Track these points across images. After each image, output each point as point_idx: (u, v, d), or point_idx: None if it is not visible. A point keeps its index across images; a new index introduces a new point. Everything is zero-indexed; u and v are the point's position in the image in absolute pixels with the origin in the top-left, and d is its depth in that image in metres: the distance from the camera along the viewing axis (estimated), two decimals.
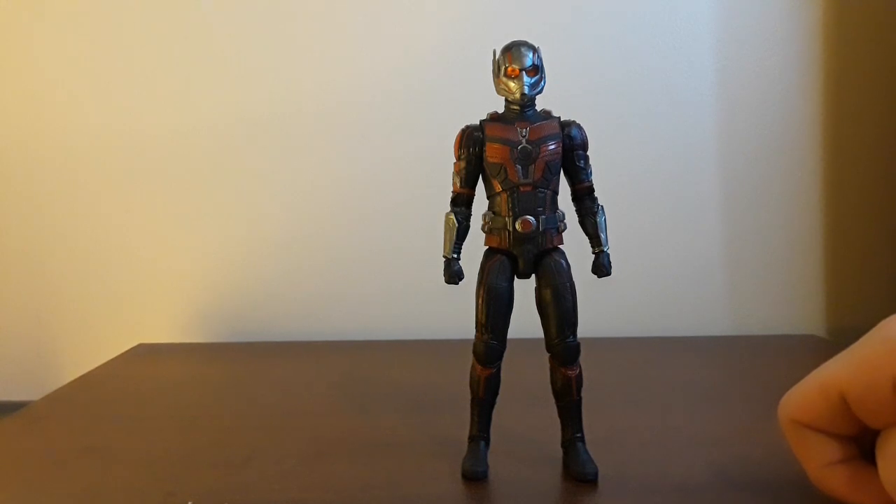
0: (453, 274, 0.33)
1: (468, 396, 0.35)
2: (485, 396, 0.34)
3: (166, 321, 0.71)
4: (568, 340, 0.33)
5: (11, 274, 0.72)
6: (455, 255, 0.33)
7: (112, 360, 0.61)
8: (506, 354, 0.34)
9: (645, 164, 0.69)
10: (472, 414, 0.35)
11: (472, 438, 0.35)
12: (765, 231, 0.70)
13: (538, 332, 0.34)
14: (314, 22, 0.69)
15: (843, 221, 0.70)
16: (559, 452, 0.35)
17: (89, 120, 0.71)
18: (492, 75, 0.33)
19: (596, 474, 0.33)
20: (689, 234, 0.70)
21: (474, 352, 0.34)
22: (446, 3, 0.68)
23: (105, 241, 0.71)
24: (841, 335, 0.69)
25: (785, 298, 0.70)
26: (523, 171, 0.31)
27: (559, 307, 0.32)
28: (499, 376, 0.34)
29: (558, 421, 0.35)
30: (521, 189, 0.32)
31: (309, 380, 0.54)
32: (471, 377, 0.35)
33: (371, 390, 0.50)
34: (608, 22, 0.68)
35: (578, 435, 0.34)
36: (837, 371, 0.28)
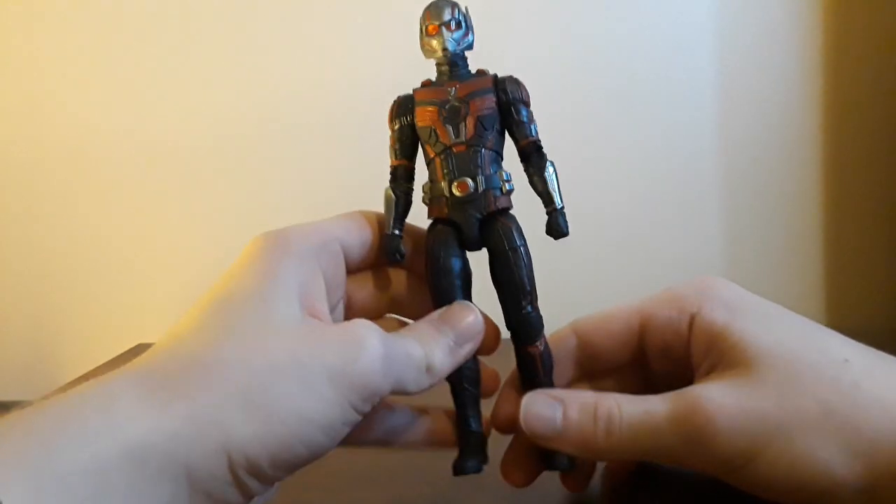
0: (392, 251, 0.29)
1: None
2: (457, 381, 0.29)
3: (166, 321, 0.71)
4: (524, 312, 0.29)
5: (11, 274, 0.72)
6: (396, 232, 0.29)
7: (112, 360, 0.61)
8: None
9: (644, 163, 0.69)
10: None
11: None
12: (765, 231, 0.70)
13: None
14: (315, 22, 0.69)
15: (843, 221, 0.70)
16: None
17: (89, 121, 0.70)
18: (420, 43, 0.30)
19: (570, 464, 0.30)
20: (689, 234, 0.70)
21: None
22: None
23: (105, 240, 0.71)
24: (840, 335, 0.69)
25: (785, 298, 0.70)
26: (454, 131, 0.28)
27: (510, 274, 0.28)
28: (475, 362, 0.30)
29: None
30: (455, 149, 0.28)
31: None
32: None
33: None
34: (608, 22, 0.68)
35: None
36: (646, 301, 0.30)
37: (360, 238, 0.29)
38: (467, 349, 0.27)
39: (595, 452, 0.28)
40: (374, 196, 0.35)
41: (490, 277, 0.29)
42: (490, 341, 0.29)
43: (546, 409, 0.28)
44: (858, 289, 0.70)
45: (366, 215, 0.30)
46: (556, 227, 0.30)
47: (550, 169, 0.30)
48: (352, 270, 0.29)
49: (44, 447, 0.19)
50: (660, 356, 0.30)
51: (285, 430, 0.22)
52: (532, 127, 0.30)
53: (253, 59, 0.69)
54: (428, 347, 0.26)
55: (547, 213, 0.30)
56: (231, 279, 0.25)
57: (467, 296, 0.29)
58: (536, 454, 0.30)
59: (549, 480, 0.32)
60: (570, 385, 0.32)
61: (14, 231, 0.72)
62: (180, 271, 0.70)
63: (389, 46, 0.69)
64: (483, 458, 0.30)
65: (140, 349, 0.66)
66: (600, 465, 0.34)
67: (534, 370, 0.29)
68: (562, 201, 0.30)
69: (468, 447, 0.29)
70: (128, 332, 0.70)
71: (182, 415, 0.20)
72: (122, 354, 0.63)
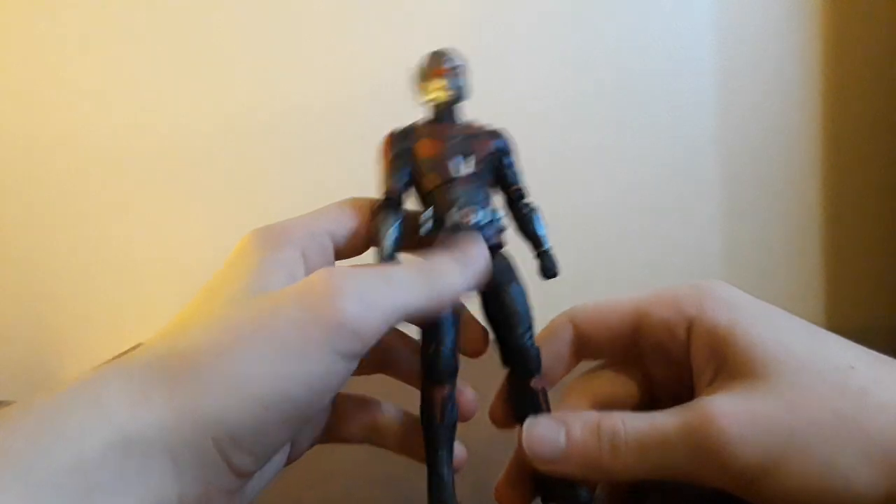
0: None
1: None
2: (444, 422, 0.28)
3: (166, 321, 0.71)
4: (527, 342, 0.28)
5: (12, 274, 0.72)
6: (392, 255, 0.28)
7: (112, 360, 0.61)
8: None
9: (644, 163, 0.69)
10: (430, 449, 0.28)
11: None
12: (765, 231, 0.70)
13: None
14: (316, 23, 0.69)
15: (843, 221, 0.70)
16: None
17: (90, 120, 0.70)
18: (415, 84, 0.31)
19: (589, 497, 0.28)
20: (688, 234, 0.70)
21: (428, 368, 0.28)
22: (447, 4, 0.68)
23: (105, 240, 0.71)
24: (840, 335, 0.69)
25: (785, 298, 0.70)
26: (460, 166, 0.28)
27: (510, 304, 0.28)
28: (454, 398, 0.28)
29: None
30: (460, 182, 0.28)
31: None
32: (425, 401, 0.28)
33: (371, 389, 0.50)
34: (609, 21, 0.68)
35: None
36: (643, 297, 0.30)
37: (347, 227, 0.28)
38: (477, 268, 0.26)
39: (602, 471, 0.26)
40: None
41: (484, 314, 0.29)
42: (478, 343, 0.29)
43: (549, 431, 0.27)
44: (858, 289, 0.70)
45: (356, 203, 0.29)
46: (548, 267, 0.29)
47: (538, 215, 0.30)
48: (341, 258, 0.29)
49: (29, 446, 0.19)
50: (654, 355, 0.30)
51: (264, 394, 0.21)
52: (519, 175, 0.30)
53: (255, 59, 0.69)
54: (428, 265, 0.25)
55: (538, 256, 0.30)
56: (219, 276, 0.25)
57: (456, 329, 0.28)
58: (531, 479, 0.29)
59: None
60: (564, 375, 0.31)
61: (14, 231, 0.72)
62: (181, 271, 0.70)
63: (390, 48, 0.69)
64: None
65: None
66: None
67: (537, 406, 0.28)
68: (549, 243, 0.30)
69: (440, 496, 0.28)
70: (128, 332, 0.70)
71: (161, 404, 0.20)
72: (121, 354, 0.63)
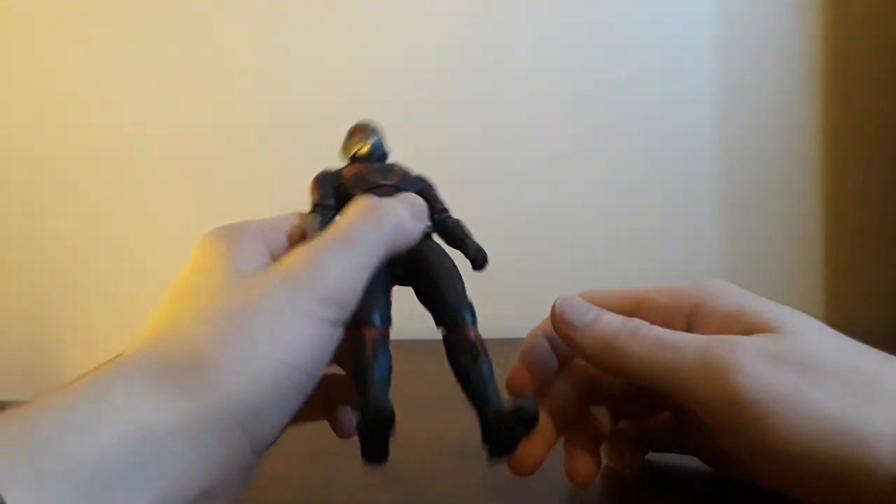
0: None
1: (465, 397, 0.29)
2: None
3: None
4: (461, 294, 0.29)
5: (12, 274, 0.72)
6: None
7: (98, 367, 0.61)
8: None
9: (644, 164, 0.69)
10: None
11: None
12: (765, 231, 0.70)
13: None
14: (317, 24, 0.69)
15: (843, 221, 0.70)
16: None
17: (90, 120, 0.71)
18: (341, 152, 0.34)
19: (533, 407, 0.27)
20: (688, 235, 0.70)
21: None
22: (447, 4, 0.68)
23: (105, 240, 0.71)
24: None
25: (784, 298, 0.70)
26: (382, 176, 0.31)
27: (440, 264, 0.29)
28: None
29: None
30: (383, 188, 0.31)
31: None
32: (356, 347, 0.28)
33: None
34: (609, 21, 0.68)
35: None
36: (646, 287, 0.31)
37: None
38: (420, 210, 0.29)
39: (611, 356, 0.28)
40: None
41: (418, 293, 0.30)
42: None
43: (581, 304, 0.29)
44: (858, 289, 0.70)
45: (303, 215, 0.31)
46: (476, 257, 0.30)
47: (458, 221, 0.32)
48: None
49: (44, 439, 0.19)
50: None
51: (273, 368, 0.22)
52: (438, 196, 0.32)
53: (255, 59, 0.69)
54: (368, 216, 0.27)
55: (466, 252, 0.31)
56: (189, 273, 0.26)
57: (389, 291, 0.29)
58: (595, 452, 0.31)
59: (558, 480, 0.32)
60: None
61: (14, 231, 0.72)
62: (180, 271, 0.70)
63: (390, 48, 0.69)
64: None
65: None
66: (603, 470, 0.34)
67: (476, 353, 0.28)
68: (473, 239, 0.31)
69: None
70: (128, 332, 0.70)
71: (175, 396, 0.21)
72: (105, 363, 0.63)
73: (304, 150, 0.70)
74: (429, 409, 0.45)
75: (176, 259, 0.74)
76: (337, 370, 0.31)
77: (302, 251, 0.25)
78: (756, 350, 0.26)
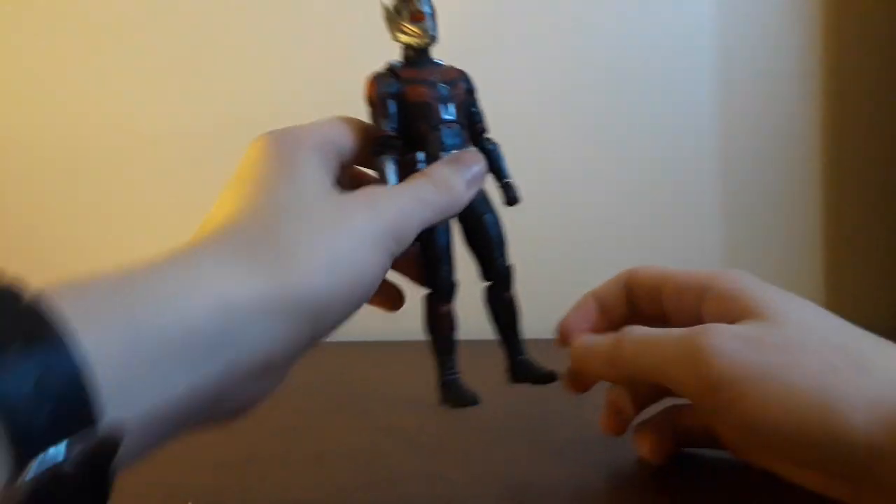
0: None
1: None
2: (450, 334, 0.33)
3: None
4: (503, 262, 0.33)
5: (11, 274, 0.72)
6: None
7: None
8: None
9: (644, 162, 0.69)
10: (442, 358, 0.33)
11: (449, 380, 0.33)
12: (765, 230, 0.70)
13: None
14: (314, 21, 0.69)
15: (842, 220, 0.70)
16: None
17: (90, 119, 0.71)
18: (387, 23, 0.33)
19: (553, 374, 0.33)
20: (689, 235, 0.70)
21: (435, 289, 0.33)
22: (447, 4, 0.68)
23: (105, 240, 0.71)
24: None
25: None
26: (446, 109, 0.32)
27: (487, 232, 0.33)
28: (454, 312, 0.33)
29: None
30: (447, 125, 0.32)
31: (308, 380, 0.54)
32: (431, 317, 0.33)
33: (370, 390, 0.50)
34: (609, 20, 0.68)
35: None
36: (673, 269, 0.34)
37: (349, 145, 0.31)
38: (476, 170, 0.31)
39: (611, 363, 0.31)
40: None
41: (465, 239, 0.33)
42: (390, 304, 0.34)
43: (589, 338, 0.34)
44: (858, 287, 0.70)
45: (352, 122, 0.32)
46: (511, 196, 0.34)
47: (499, 150, 0.34)
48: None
49: (139, 306, 0.21)
50: (674, 313, 0.33)
51: (346, 271, 0.26)
52: (482, 114, 0.34)
53: (254, 57, 0.69)
54: (435, 175, 0.30)
55: (501, 186, 0.34)
56: (271, 169, 0.28)
57: (453, 254, 0.32)
58: (672, 435, 0.35)
59: (562, 481, 0.32)
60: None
61: (14, 230, 0.72)
62: None
63: (389, 48, 0.69)
64: (473, 395, 0.32)
65: None
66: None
67: (511, 310, 0.33)
68: (510, 175, 0.34)
69: (457, 387, 0.32)
70: None
71: (265, 274, 0.24)
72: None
73: None
74: (426, 410, 0.45)
75: None
76: None
77: (383, 198, 0.28)
78: (732, 335, 0.27)
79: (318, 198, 0.27)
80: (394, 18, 0.33)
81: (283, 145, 0.29)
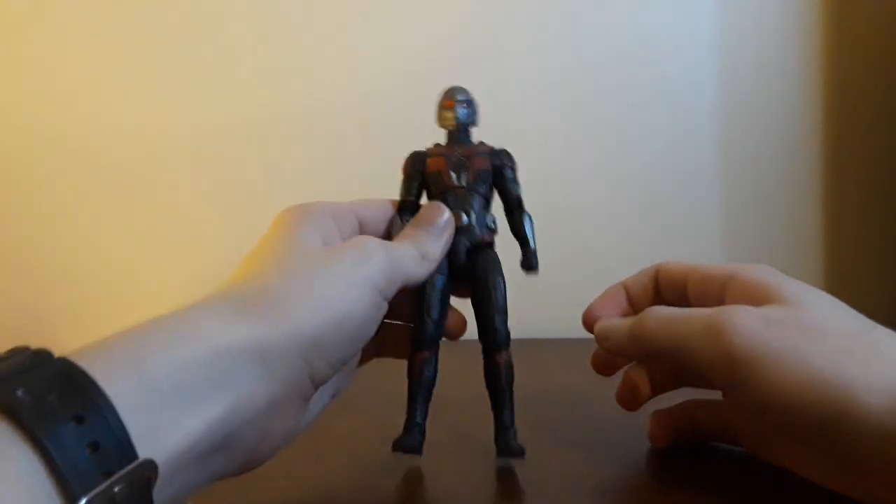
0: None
1: (467, 396, 0.35)
2: (421, 379, 0.35)
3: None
4: (498, 325, 0.35)
5: (11, 273, 0.72)
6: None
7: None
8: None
9: (644, 162, 0.69)
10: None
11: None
12: (765, 230, 0.70)
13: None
14: (320, 22, 0.69)
15: (843, 220, 0.70)
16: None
17: (89, 119, 0.71)
18: (436, 119, 0.38)
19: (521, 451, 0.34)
20: (688, 233, 0.70)
21: (416, 337, 0.35)
22: (448, 5, 0.68)
23: (106, 240, 0.71)
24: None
25: None
26: (457, 177, 0.36)
27: (489, 297, 0.35)
28: (433, 361, 0.35)
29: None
30: (457, 191, 0.35)
31: None
32: (410, 362, 0.35)
33: (370, 390, 0.50)
34: (609, 20, 0.68)
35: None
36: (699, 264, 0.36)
37: (374, 214, 0.35)
38: (447, 235, 0.34)
39: (635, 337, 0.33)
40: (381, 191, 0.37)
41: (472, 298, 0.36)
42: (458, 326, 0.36)
43: (611, 322, 0.35)
44: (858, 286, 0.70)
45: (381, 201, 0.36)
46: (530, 262, 0.36)
47: (529, 220, 0.37)
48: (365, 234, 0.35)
49: (141, 352, 0.23)
50: (698, 303, 0.34)
51: (337, 313, 0.28)
52: (517, 186, 0.37)
53: (258, 57, 0.69)
54: (418, 242, 0.33)
55: (523, 253, 0.36)
56: (270, 239, 0.31)
57: (444, 307, 0.35)
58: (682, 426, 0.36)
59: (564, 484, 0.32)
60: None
61: (14, 230, 0.72)
62: (182, 271, 0.70)
63: (392, 48, 0.69)
64: (418, 446, 0.34)
65: None
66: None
67: (496, 376, 0.35)
68: (535, 244, 0.36)
69: (409, 433, 0.34)
70: None
71: (254, 324, 0.25)
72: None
73: (304, 149, 0.70)
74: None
75: (176, 259, 0.74)
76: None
77: (371, 241, 0.31)
78: (755, 315, 0.28)
79: (307, 251, 0.30)
80: (438, 107, 0.37)
81: (290, 215, 0.32)
